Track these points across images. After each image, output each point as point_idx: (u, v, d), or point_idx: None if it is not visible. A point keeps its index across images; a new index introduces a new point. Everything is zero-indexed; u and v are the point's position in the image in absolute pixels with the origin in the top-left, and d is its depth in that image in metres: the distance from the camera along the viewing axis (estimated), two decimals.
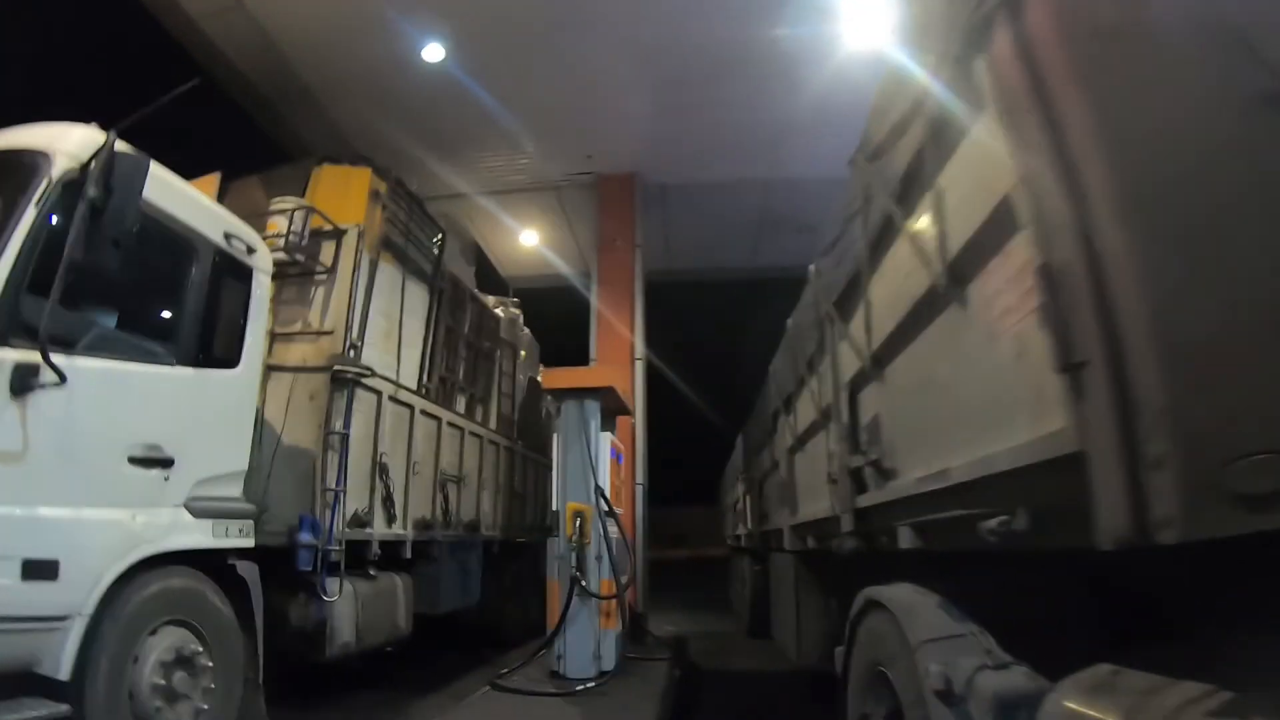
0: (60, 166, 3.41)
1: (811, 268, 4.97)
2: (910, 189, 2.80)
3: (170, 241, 4.06)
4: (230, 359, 4.41)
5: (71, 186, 3.38)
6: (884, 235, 3.16)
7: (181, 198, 4.15)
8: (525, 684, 6.15)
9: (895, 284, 3.04)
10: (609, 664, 6.59)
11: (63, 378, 3.20)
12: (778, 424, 7.10)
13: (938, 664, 2.34)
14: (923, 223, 2.64)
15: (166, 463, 3.84)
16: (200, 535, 4.04)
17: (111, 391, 3.59)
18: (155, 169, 3.85)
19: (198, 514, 4.02)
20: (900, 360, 3.09)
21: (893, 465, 3.24)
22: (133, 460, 3.66)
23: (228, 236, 4.42)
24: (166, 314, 4.09)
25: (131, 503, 3.63)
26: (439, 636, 7.58)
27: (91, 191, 3.32)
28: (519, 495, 9.88)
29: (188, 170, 4.39)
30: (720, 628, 11.86)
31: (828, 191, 10.11)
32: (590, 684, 6.13)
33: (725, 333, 19.88)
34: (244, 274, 4.56)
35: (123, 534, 3.53)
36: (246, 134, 9.80)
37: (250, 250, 4.61)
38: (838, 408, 4.10)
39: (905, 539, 2.99)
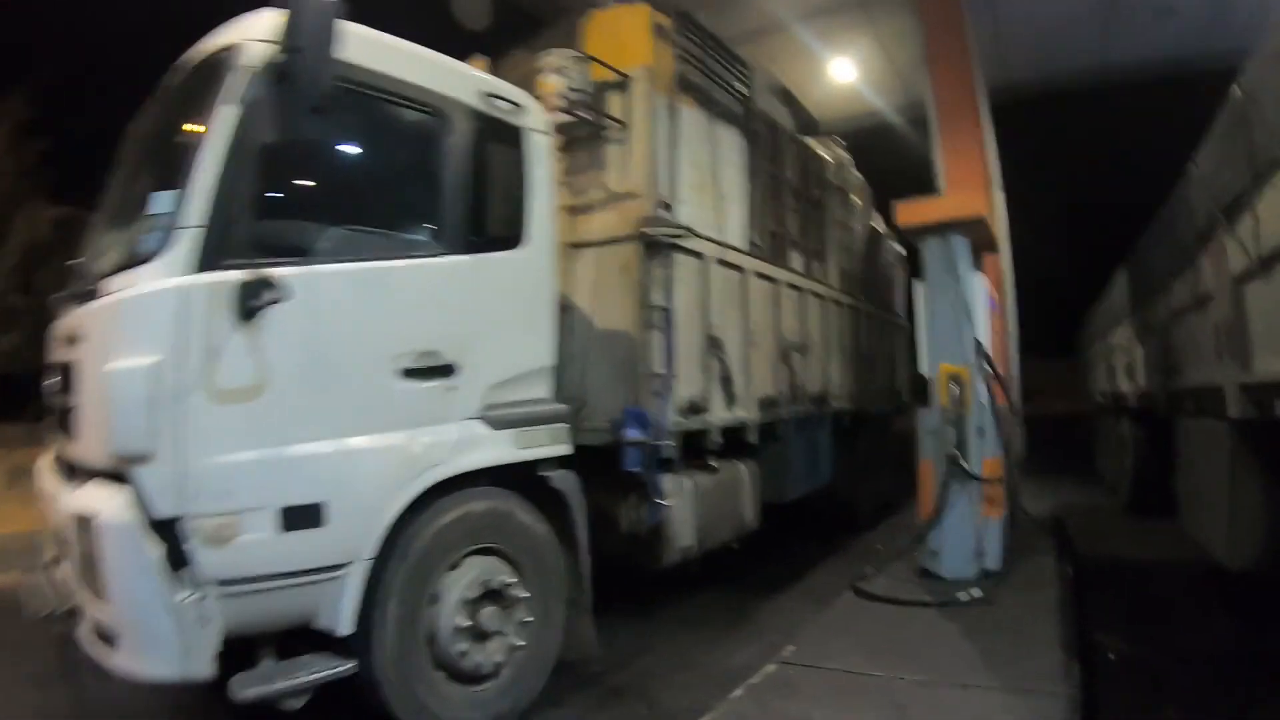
0: (249, 55, 2.84)
1: None
2: None
3: (408, 112, 3.38)
4: (512, 238, 3.73)
5: (264, 71, 2.81)
6: None
7: (412, 60, 3.43)
8: (894, 589, 5.16)
9: None
10: (992, 561, 5.37)
11: (294, 292, 2.69)
12: (1207, 245, 5.17)
13: None
14: None
15: (447, 370, 3.30)
16: (502, 449, 3.49)
17: (365, 298, 3.05)
18: (364, 31, 3.15)
19: (496, 424, 3.48)
20: None
21: None
22: (404, 373, 3.14)
23: (485, 96, 3.68)
24: (422, 198, 3.44)
25: (410, 423, 3.13)
26: (786, 524, 6.83)
27: (279, 58, 2.70)
28: (867, 360, 8.66)
29: None
30: (1090, 500, 9.92)
31: None
32: (973, 591, 4.96)
33: (1076, 151, 16.29)
34: (513, 138, 3.81)
35: (402, 460, 3.05)
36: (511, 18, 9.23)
37: (518, 109, 3.84)
38: None
39: None
